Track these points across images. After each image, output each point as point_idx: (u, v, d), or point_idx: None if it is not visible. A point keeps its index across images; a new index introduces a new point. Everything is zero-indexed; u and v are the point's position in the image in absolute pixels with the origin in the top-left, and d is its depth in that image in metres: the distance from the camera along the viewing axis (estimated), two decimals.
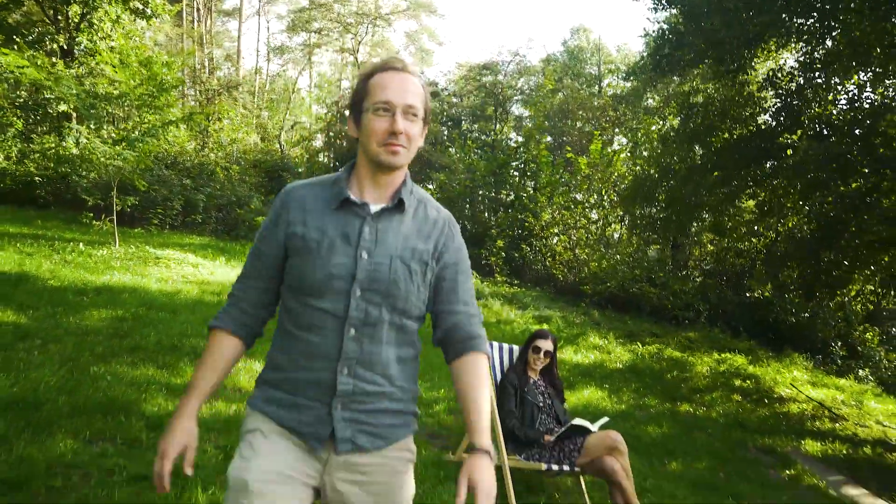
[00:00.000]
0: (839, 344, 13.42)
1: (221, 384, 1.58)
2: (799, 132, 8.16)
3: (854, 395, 10.12)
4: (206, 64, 23.42)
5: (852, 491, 5.60)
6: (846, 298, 13.84)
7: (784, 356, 11.78)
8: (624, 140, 22.61)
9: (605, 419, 3.78)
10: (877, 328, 14.44)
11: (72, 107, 11.43)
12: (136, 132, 10.61)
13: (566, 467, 3.47)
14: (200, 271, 9.46)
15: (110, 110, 11.98)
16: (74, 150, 11.40)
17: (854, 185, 6.89)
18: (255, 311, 1.58)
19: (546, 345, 4.00)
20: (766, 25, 6.98)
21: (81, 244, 9.42)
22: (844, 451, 6.98)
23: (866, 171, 6.84)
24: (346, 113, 1.59)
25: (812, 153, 6.65)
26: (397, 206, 1.52)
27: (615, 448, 3.42)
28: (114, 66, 10.86)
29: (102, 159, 9.61)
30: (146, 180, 11.15)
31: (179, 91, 14.16)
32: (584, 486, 3.85)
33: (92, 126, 11.63)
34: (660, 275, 13.64)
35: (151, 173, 12.47)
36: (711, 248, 15.94)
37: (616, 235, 17.39)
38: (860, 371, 12.89)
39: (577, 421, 3.55)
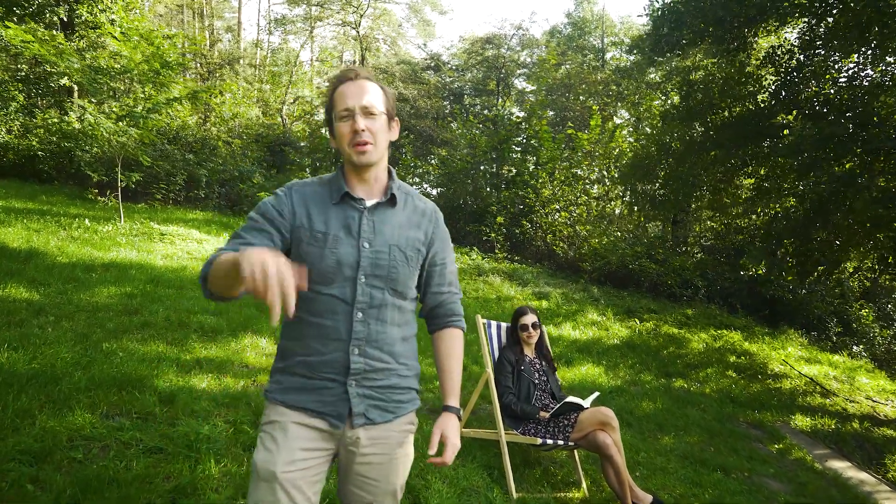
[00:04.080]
0: (834, 321, 13.60)
1: None
2: (794, 112, 8.20)
3: (846, 372, 10.32)
4: (207, 36, 23.22)
5: (837, 464, 5.80)
6: (843, 276, 13.98)
7: (780, 332, 11.96)
8: (626, 115, 22.54)
9: (595, 394, 3.93)
10: (872, 305, 14.60)
11: (74, 81, 11.43)
12: (140, 108, 10.63)
13: (560, 441, 3.64)
14: (205, 247, 9.60)
15: (112, 85, 11.99)
16: (77, 125, 11.44)
17: (848, 165, 6.96)
18: None
19: (530, 319, 4.14)
20: (764, 6, 6.98)
21: (87, 220, 9.54)
22: (832, 426, 7.18)
23: (859, 150, 6.90)
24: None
25: (807, 133, 6.71)
26: (389, 200, 1.72)
27: (607, 423, 3.58)
28: (116, 39, 10.83)
29: (106, 135, 9.67)
30: (149, 155, 11.22)
31: (183, 66, 14.10)
32: (577, 460, 4.02)
33: (94, 101, 11.64)
34: (659, 251, 13.76)
35: (154, 148, 12.53)
36: (711, 224, 16.03)
37: (617, 211, 17.47)
38: (854, 347, 13.09)
39: (571, 398, 3.71)
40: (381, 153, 1.69)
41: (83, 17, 13.91)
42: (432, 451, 1.70)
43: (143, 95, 11.04)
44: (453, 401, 1.79)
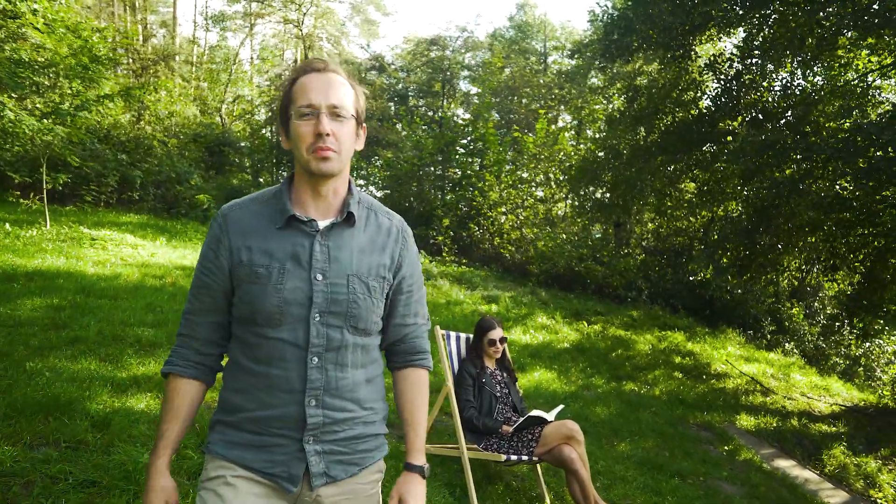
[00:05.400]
0: (768, 319, 14.17)
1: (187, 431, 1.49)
2: (739, 119, 8.45)
3: (782, 369, 10.73)
4: (140, 30, 22.17)
5: (783, 463, 5.97)
6: (776, 276, 14.59)
7: (719, 332, 12.36)
8: (569, 118, 22.91)
9: (560, 407, 3.86)
10: (801, 304, 15.30)
11: None
12: (68, 105, 9.96)
13: (525, 457, 3.53)
14: (140, 252, 9.08)
15: (36, 79, 11.18)
16: None
17: (788, 172, 7.21)
18: (209, 348, 1.48)
19: (498, 334, 4.03)
20: (708, 14, 7.16)
21: (7, 224, 8.87)
22: (774, 424, 7.41)
23: (799, 157, 7.15)
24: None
25: (751, 140, 6.93)
26: (346, 219, 1.44)
27: (572, 437, 3.50)
28: (39, 30, 10.12)
29: (29, 133, 9.00)
30: (78, 155, 10.53)
31: (114, 61, 13.32)
32: (540, 473, 3.94)
33: (14, 95, 10.84)
34: (604, 253, 14.00)
35: (84, 147, 11.80)
36: (652, 226, 16.43)
37: (561, 213, 17.68)
38: (787, 345, 13.67)
39: (535, 412, 3.61)
40: (344, 163, 1.41)
41: (1, 6, 12.97)
42: None
43: (70, 91, 10.36)
44: (418, 457, 1.54)
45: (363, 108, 1.48)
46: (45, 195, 9.59)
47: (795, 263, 12.30)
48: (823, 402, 9.28)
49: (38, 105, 10.95)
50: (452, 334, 4.19)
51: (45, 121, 9.23)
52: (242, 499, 1.37)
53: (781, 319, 14.51)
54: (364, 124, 1.50)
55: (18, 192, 10.71)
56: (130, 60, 20.06)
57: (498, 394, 3.89)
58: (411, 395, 1.58)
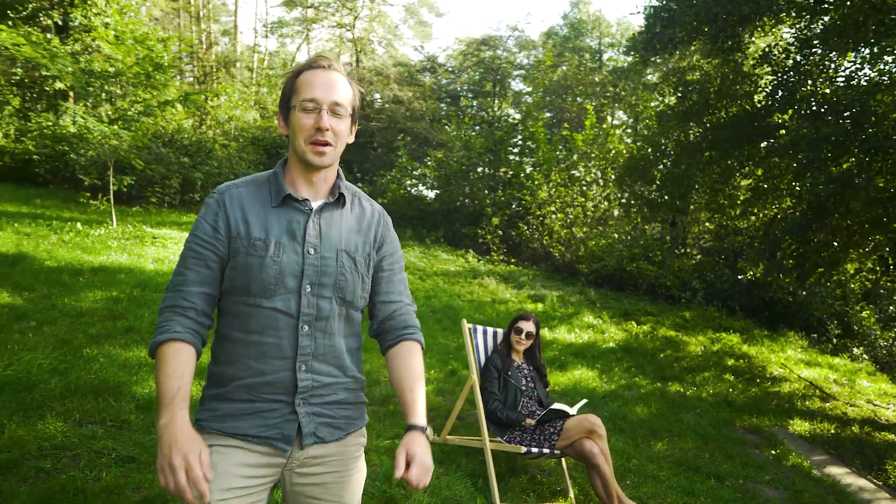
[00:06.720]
0: (835, 322, 13.46)
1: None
2: (790, 112, 8.09)
3: (847, 375, 10.18)
4: (203, 39, 23.17)
5: (835, 470, 5.69)
6: (845, 277, 13.83)
7: (779, 335, 11.82)
8: (623, 116, 22.47)
9: (583, 402, 3.84)
10: (873, 307, 14.47)
11: (68, 84, 11.39)
12: (133, 111, 10.56)
13: (546, 450, 3.54)
14: None
15: (107, 88, 11.90)
16: (72, 129, 11.37)
17: (845, 166, 6.86)
18: (202, 318, 1.49)
19: (527, 326, 4.05)
20: (758, 4, 6.90)
21: (79, 224, 9.48)
22: (832, 431, 7.05)
23: (857, 150, 6.81)
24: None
25: (804, 133, 6.63)
26: (337, 200, 1.59)
27: (594, 431, 3.48)
28: (110, 43, 10.78)
29: (99, 138, 9.60)
30: (143, 159, 11.13)
31: (176, 67, 14.01)
32: (565, 468, 3.93)
33: (89, 104, 11.57)
34: (657, 253, 13.65)
35: (149, 151, 12.47)
36: (710, 225, 15.91)
37: (616, 213, 17.36)
38: (855, 350, 12.95)
39: (557, 405, 3.61)
40: (337, 156, 1.55)
41: (77, 21, 13.85)
42: (398, 473, 1.41)
43: (135, 98, 10.97)
44: (418, 418, 1.53)
45: (358, 106, 1.62)
46: (111, 196, 10.19)
47: (868, 264, 11.63)
48: (892, 410, 8.77)
49: (108, 112, 11.64)
50: (479, 328, 4.24)
51: (112, 126, 9.82)
52: (231, 467, 1.44)
53: (850, 323, 13.76)
54: (357, 120, 1.63)
55: (88, 194, 11.41)
56: (194, 68, 20.97)
57: (523, 387, 3.91)
58: (406, 364, 1.60)
